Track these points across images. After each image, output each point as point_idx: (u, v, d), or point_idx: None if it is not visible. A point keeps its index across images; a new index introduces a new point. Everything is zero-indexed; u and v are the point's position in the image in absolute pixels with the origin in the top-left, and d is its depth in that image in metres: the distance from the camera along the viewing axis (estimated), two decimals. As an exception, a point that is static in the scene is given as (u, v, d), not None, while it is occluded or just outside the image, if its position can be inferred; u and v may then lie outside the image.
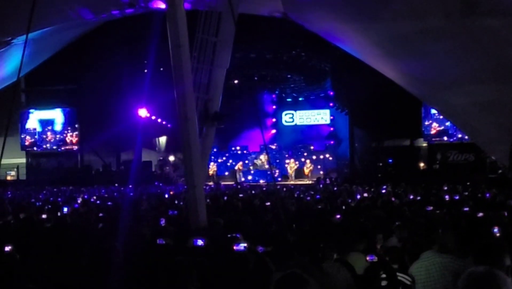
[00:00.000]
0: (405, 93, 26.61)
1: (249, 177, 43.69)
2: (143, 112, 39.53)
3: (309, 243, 7.32)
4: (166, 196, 24.00)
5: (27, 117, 46.45)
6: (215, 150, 45.04)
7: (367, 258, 7.17)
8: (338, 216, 13.12)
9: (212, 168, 45.23)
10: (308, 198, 21.22)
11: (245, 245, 7.27)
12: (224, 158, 47.56)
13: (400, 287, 7.03)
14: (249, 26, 26.18)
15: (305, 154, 46.76)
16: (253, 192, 26.09)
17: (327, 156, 46.67)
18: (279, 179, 42.41)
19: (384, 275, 7.07)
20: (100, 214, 14.96)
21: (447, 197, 19.09)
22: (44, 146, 46.76)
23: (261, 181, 41.37)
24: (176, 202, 20.02)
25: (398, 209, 15.07)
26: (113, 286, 6.29)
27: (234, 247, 7.24)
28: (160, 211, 15.08)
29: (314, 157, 46.63)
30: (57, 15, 23.05)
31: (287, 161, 46.20)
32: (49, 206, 18.72)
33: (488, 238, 6.95)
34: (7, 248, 8.17)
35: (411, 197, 20.29)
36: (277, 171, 43.83)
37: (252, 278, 6.44)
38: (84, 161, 46.40)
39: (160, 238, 8.54)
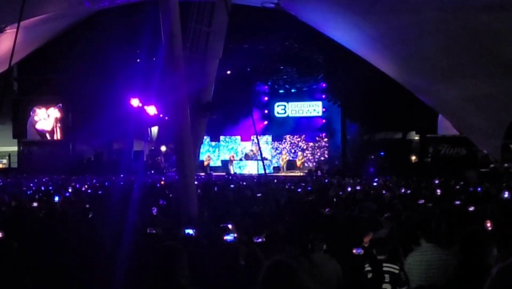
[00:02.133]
0: (398, 86, 26.61)
1: (242, 169, 43.62)
2: (135, 102, 39.53)
3: (300, 235, 7.33)
4: (158, 185, 23.97)
5: (20, 106, 46.20)
6: (208, 139, 45.20)
7: (354, 251, 7.20)
8: (328, 209, 13.17)
9: (208, 159, 45.33)
10: (299, 190, 21.21)
11: (235, 235, 7.27)
12: (217, 150, 47.66)
13: (388, 276, 7.03)
14: (242, 17, 26.12)
15: (297, 146, 46.87)
16: (244, 183, 26.08)
17: (319, 148, 46.75)
18: (271, 171, 42.52)
19: (369, 268, 7.08)
20: (87, 205, 14.91)
21: (438, 191, 19.14)
22: (36, 134, 46.53)
23: (252, 172, 41.39)
24: (166, 191, 19.99)
25: (389, 201, 15.13)
26: (103, 274, 6.29)
27: (224, 238, 7.25)
28: (151, 200, 15.07)
29: (306, 149, 46.73)
30: (50, 3, 22.96)
31: (278, 153, 46.36)
32: (40, 194, 18.72)
33: (474, 228, 6.93)
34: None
35: (403, 190, 20.30)
36: (269, 162, 43.93)
37: (242, 268, 6.45)
38: (76, 150, 46.22)
39: (150, 227, 8.53)
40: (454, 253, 6.66)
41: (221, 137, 47.89)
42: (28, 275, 4.34)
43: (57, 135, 46.27)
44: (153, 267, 4.73)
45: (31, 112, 45.95)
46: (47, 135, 46.24)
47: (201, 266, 5.61)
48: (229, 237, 7.17)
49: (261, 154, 16.57)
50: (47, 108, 45.85)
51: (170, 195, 18.16)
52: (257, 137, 35.09)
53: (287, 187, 22.99)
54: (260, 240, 7.73)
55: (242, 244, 7.29)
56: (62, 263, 6.95)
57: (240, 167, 44.34)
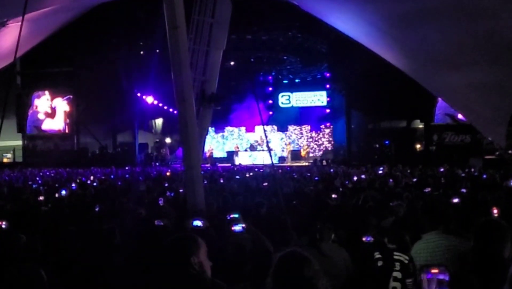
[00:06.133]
0: (401, 74, 26.54)
1: (246, 160, 43.64)
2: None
3: (307, 224, 7.32)
4: (163, 174, 24.01)
5: (23, 100, 46.12)
6: (213, 131, 45.37)
7: (363, 239, 7.17)
8: (334, 196, 13.23)
9: (210, 150, 45.35)
10: (305, 180, 21.22)
11: (243, 225, 7.26)
12: (221, 140, 47.85)
13: (398, 265, 6.98)
14: (245, 8, 26.08)
15: (302, 136, 46.94)
16: (250, 174, 26.07)
17: (324, 137, 46.80)
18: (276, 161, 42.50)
19: (379, 256, 7.04)
20: (94, 197, 14.96)
21: (443, 179, 19.16)
22: (41, 128, 46.49)
23: (258, 162, 41.37)
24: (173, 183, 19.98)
25: (395, 190, 15.12)
26: (112, 267, 6.29)
27: (232, 228, 7.24)
28: (158, 192, 15.10)
29: (310, 139, 46.79)
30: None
31: (283, 143, 46.44)
32: (45, 187, 18.76)
33: (488, 218, 6.88)
34: (3, 225, 8.23)
35: (409, 179, 20.29)
36: (274, 153, 43.93)
37: (250, 258, 6.46)
38: (80, 143, 46.18)
39: (158, 219, 8.52)
40: (462, 239, 6.63)
41: (226, 128, 48.07)
42: (40, 267, 4.32)
43: (66, 130, 46.20)
44: (167, 259, 4.68)
45: (32, 107, 45.84)
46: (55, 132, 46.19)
47: (210, 257, 5.62)
48: (237, 228, 7.16)
49: (267, 144, 16.56)
50: (52, 99, 45.74)
51: (177, 186, 18.17)
52: (263, 128, 35.01)
53: (292, 176, 23.00)
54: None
55: (250, 234, 7.30)
56: (70, 256, 6.96)
57: (242, 155, 44.52)
